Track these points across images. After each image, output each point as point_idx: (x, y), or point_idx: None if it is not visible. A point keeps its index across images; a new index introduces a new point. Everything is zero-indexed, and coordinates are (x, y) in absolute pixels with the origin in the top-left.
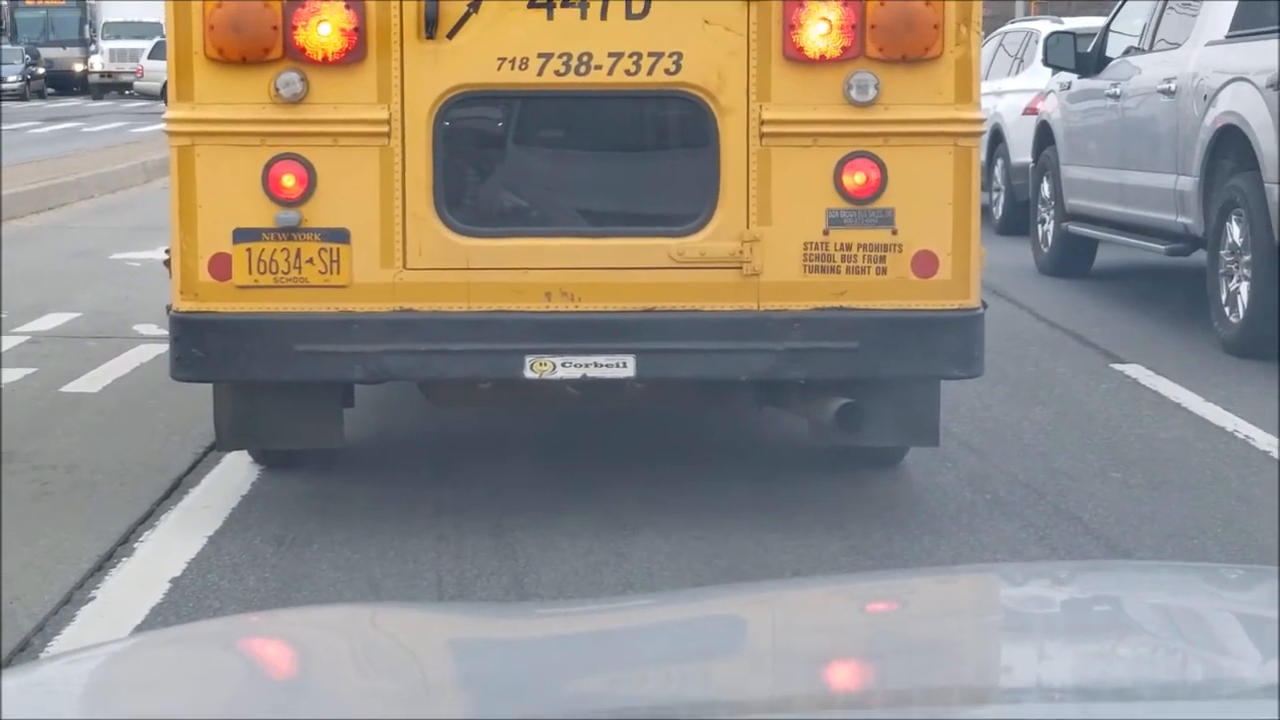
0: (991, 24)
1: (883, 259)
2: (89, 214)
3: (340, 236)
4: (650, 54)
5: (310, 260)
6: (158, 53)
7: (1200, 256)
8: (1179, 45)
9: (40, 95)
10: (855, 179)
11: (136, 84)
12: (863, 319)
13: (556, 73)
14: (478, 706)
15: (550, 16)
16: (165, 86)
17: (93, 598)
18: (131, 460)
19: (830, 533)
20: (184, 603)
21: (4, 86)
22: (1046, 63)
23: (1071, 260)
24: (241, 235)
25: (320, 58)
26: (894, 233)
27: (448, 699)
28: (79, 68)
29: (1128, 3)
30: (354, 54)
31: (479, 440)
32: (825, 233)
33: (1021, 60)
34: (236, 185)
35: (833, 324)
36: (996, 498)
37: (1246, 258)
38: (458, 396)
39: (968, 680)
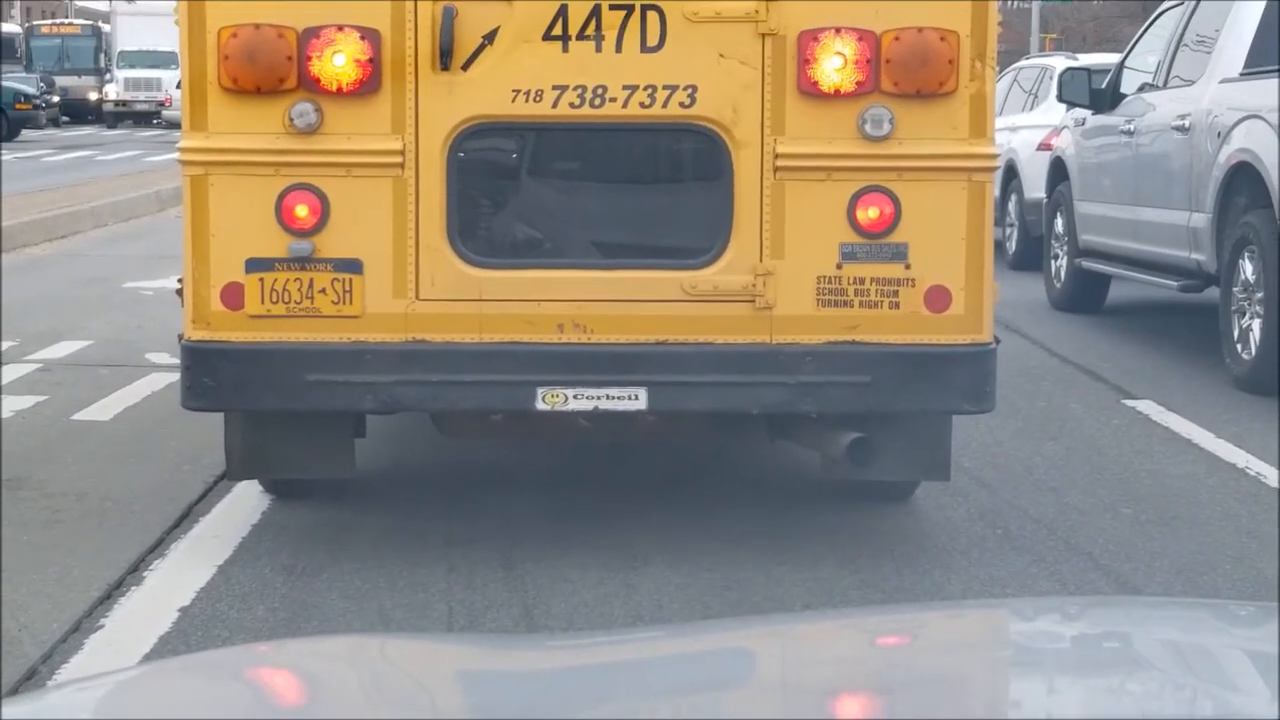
0: (1006, 59)
1: (896, 293)
2: (102, 242)
3: (353, 267)
4: (665, 87)
5: (323, 290)
6: None
7: (1213, 293)
8: (1193, 82)
9: (55, 123)
10: (869, 213)
11: (165, 113)
12: (875, 353)
13: (571, 105)
14: None
15: (565, 49)
16: None
17: (101, 626)
18: (142, 489)
19: (841, 566)
20: (193, 632)
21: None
22: (1061, 99)
23: (1084, 296)
24: (254, 265)
25: (335, 88)
26: (907, 267)
27: None
28: (94, 96)
29: (1142, 39)
30: (368, 85)
31: (490, 472)
32: (838, 267)
33: (1036, 96)
34: (250, 215)
35: (845, 358)
36: (1007, 532)
37: (1259, 295)
38: (469, 428)
39: (977, 715)
